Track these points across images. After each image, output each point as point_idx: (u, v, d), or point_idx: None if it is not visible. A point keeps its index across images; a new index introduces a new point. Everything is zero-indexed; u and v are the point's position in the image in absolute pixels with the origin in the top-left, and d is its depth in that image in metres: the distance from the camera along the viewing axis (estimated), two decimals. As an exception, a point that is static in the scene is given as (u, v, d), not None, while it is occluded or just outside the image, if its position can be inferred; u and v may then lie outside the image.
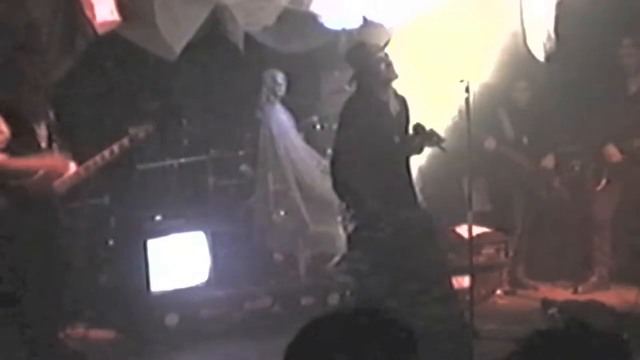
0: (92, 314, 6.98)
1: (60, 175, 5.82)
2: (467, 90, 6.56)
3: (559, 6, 7.09)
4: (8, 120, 5.61)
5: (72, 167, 5.88)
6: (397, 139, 6.23)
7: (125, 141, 5.96)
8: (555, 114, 7.93)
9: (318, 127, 8.22)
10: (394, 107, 6.28)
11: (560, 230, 8.20)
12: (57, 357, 5.92)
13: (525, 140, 7.93)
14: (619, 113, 7.47)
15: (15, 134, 5.62)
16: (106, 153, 5.91)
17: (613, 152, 7.50)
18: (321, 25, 7.10)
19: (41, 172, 5.71)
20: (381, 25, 7.11)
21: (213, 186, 7.91)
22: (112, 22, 6.24)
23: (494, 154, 7.85)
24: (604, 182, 7.56)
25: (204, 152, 7.93)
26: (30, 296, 5.66)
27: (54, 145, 5.85)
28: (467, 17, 7.20)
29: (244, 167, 8.03)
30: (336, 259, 7.86)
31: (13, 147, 5.62)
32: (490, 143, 7.80)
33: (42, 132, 5.79)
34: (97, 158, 5.90)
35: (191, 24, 6.50)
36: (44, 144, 5.81)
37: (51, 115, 5.87)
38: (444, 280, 6.29)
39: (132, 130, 6.00)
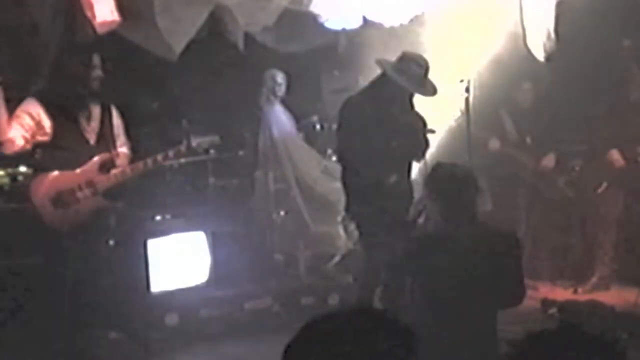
0: (92, 314, 6.97)
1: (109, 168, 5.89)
2: (467, 90, 6.57)
3: (559, 6, 7.09)
4: (51, 114, 5.68)
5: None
6: (394, 143, 6.17)
7: (183, 148, 5.99)
8: (558, 114, 7.93)
9: (318, 127, 8.22)
10: (400, 115, 6.24)
11: (563, 230, 8.20)
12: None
13: (528, 140, 7.94)
14: (622, 116, 7.47)
15: (58, 128, 5.68)
16: (159, 157, 5.95)
17: (617, 158, 7.50)
18: (321, 25, 7.10)
19: (89, 164, 5.78)
20: (381, 25, 7.12)
21: (213, 186, 7.91)
22: (112, 22, 6.24)
23: (497, 154, 7.85)
24: (604, 185, 7.55)
25: (204, 152, 7.92)
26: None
27: (106, 140, 5.89)
28: (467, 17, 7.20)
29: (258, 174, 7.99)
30: (336, 259, 7.86)
31: (58, 142, 5.69)
32: (494, 144, 7.81)
33: (89, 127, 5.83)
34: (149, 160, 5.94)
35: (191, 24, 6.50)
36: (92, 140, 5.85)
37: (112, 110, 5.95)
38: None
39: (194, 141, 6.01)
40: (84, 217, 5.86)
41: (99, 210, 5.96)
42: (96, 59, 5.86)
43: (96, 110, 5.91)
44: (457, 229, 4.50)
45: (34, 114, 5.70)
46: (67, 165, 5.79)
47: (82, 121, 5.83)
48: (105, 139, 5.93)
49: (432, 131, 6.33)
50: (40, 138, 5.73)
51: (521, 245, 4.80)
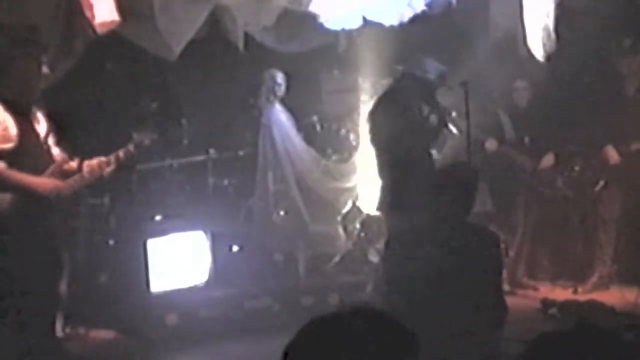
0: (92, 314, 6.99)
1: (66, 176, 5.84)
2: (466, 90, 6.57)
3: (559, 6, 7.09)
4: (15, 119, 5.63)
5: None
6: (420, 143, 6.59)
7: (131, 147, 5.94)
8: (556, 113, 7.92)
9: (318, 127, 8.22)
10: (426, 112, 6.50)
11: (562, 230, 8.19)
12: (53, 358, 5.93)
13: (526, 140, 7.93)
14: (618, 114, 7.46)
15: (21, 134, 5.63)
16: (112, 158, 5.90)
17: (612, 155, 7.50)
18: (321, 25, 7.10)
19: (49, 171, 5.73)
20: (381, 25, 7.12)
21: (213, 186, 7.92)
22: (112, 22, 6.24)
23: (496, 154, 7.85)
24: (602, 183, 7.55)
25: (204, 152, 7.93)
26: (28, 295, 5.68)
27: (51, 144, 5.85)
28: (467, 17, 7.21)
29: (258, 173, 7.94)
30: (336, 259, 7.86)
31: (21, 148, 5.64)
32: (491, 144, 7.81)
33: (43, 132, 5.79)
34: (103, 161, 5.89)
35: (191, 24, 6.50)
36: (45, 145, 5.81)
37: (49, 115, 5.89)
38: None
39: (136, 137, 5.98)
40: (55, 222, 5.78)
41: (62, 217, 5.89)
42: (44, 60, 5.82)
43: (44, 114, 5.82)
44: (440, 224, 4.45)
45: (1, 119, 5.55)
46: (30, 172, 5.64)
47: (36, 126, 5.73)
48: (54, 142, 5.87)
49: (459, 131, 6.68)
50: (5, 146, 5.54)
51: (501, 260, 4.62)
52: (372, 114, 6.85)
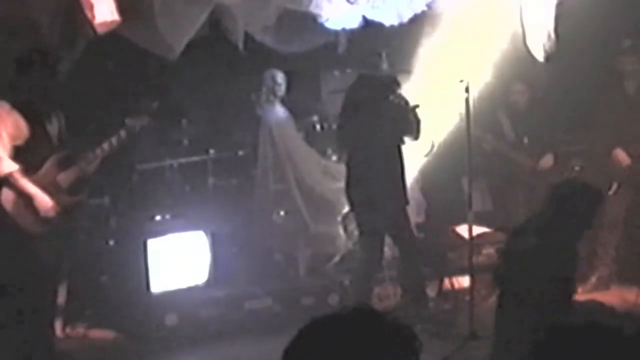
0: (92, 314, 6.99)
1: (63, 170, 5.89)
2: (466, 90, 6.57)
3: (559, 6, 7.09)
4: (26, 119, 5.69)
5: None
6: (388, 125, 6.70)
7: (123, 133, 6.07)
8: (555, 114, 7.92)
9: (318, 127, 8.22)
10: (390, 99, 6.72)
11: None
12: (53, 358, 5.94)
13: (525, 140, 7.93)
14: (621, 115, 7.46)
15: (32, 132, 5.70)
16: (105, 146, 6.02)
17: (623, 157, 7.49)
18: (321, 25, 7.10)
19: (47, 165, 5.76)
20: (381, 25, 7.13)
21: (213, 186, 7.91)
22: (112, 22, 6.24)
23: (495, 154, 7.85)
24: (615, 186, 7.51)
25: (204, 152, 7.93)
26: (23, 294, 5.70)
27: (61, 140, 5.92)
28: (467, 17, 7.21)
29: (258, 174, 7.94)
30: (336, 259, 7.86)
31: (30, 145, 5.70)
32: (488, 145, 7.80)
33: (53, 130, 5.85)
34: (97, 150, 6.01)
35: (191, 24, 6.50)
36: (55, 143, 5.87)
37: (60, 113, 5.96)
38: None
39: (129, 122, 6.13)
40: (55, 218, 5.82)
41: (67, 209, 5.92)
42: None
43: (54, 113, 5.93)
44: None
45: (14, 119, 5.68)
46: (34, 169, 5.78)
47: (47, 125, 5.84)
48: (61, 139, 5.97)
49: (417, 106, 6.74)
50: (16, 143, 5.70)
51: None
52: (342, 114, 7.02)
